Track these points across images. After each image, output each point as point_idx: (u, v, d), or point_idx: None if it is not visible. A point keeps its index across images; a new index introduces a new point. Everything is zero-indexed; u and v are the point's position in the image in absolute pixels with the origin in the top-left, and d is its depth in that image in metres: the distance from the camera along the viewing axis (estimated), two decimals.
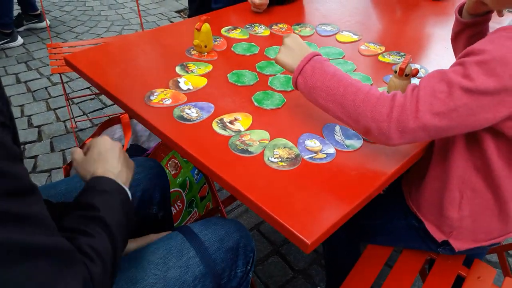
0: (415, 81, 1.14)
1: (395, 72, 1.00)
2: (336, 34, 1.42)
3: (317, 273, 1.60)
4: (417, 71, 1.02)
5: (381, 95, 0.79)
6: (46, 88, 2.68)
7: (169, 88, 1.07)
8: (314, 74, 0.85)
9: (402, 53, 1.30)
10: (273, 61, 1.22)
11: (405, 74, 0.99)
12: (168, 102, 1.02)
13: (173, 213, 1.45)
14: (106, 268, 0.62)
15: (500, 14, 0.96)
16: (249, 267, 0.98)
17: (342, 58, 1.26)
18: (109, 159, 0.82)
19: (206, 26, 1.20)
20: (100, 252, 0.62)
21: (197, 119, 0.96)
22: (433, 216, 0.99)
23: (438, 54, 1.32)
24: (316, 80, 0.85)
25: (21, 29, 3.30)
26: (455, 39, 1.07)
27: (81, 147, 1.36)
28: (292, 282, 1.57)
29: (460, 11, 1.02)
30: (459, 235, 0.97)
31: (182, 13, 3.88)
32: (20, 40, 3.17)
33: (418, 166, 0.98)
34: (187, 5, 3.98)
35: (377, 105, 0.77)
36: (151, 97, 1.03)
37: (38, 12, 3.32)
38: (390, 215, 1.08)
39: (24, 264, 0.49)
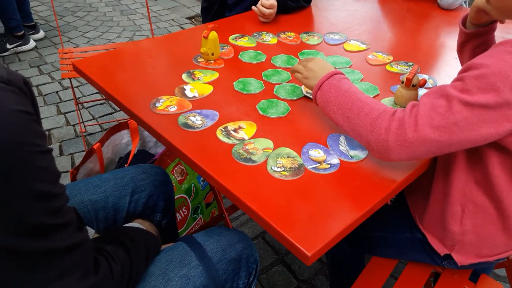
0: (422, 91, 1.13)
1: (402, 82, 1.00)
2: (343, 43, 1.42)
3: (322, 284, 1.59)
4: (425, 82, 1.01)
5: (384, 110, 0.80)
6: (57, 92, 2.71)
7: (175, 95, 1.08)
8: (330, 90, 0.88)
9: (410, 63, 1.29)
10: (280, 69, 1.22)
11: (412, 85, 0.98)
12: (173, 109, 1.02)
13: (178, 220, 1.45)
14: (124, 273, 0.74)
15: (502, 21, 0.96)
16: (251, 279, 0.97)
17: (349, 67, 1.26)
18: None
19: (213, 34, 1.21)
20: (121, 260, 0.75)
21: (201, 126, 0.96)
22: (436, 230, 0.98)
23: (448, 64, 1.30)
24: (330, 95, 0.88)
25: (6, 53, 3.07)
26: (460, 50, 1.06)
27: (88, 152, 1.38)
28: None
29: (464, 22, 1.01)
30: (461, 249, 0.95)
31: (193, 20, 3.91)
32: (32, 43, 3.20)
33: (423, 179, 0.96)
34: (198, 12, 4.02)
35: (378, 118, 0.78)
36: (157, 104, 1.03)
37: (21, 33, 3.10)
38: (395, 227, 1.07)
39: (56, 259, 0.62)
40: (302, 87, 1.13)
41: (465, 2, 1.82)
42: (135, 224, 0.99)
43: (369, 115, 0.80)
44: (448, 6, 1.72)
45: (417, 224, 1.02)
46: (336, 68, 0.95)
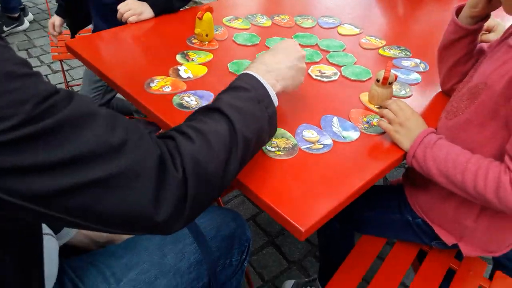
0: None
1: (377, 81, 0.99)
2: (337, 26, 1.43)
3: (312, 265, 1.62)
4: (397, 77, 1.01)
5: (499, 179, 0.75)
6: (46, 75, 2.68)
7: (169, 76, 1.08)
8: (427, 161, 0.84)
9: (403, 47, 1.31)
10: None
11: (389, 83, 0.98)
12: (168, 89, 1.02)
13: None
14: (208, 149, 0.60)
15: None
16: (244, 257, 0.99)
17: (342, 51, 1.27)
18: (271, 56, 0.83)
19: (207, 15, 1.20)
20: (203, 132, 0.61)
21: (196, 106, 0.97)
22: (444, 221, 0.98)
23: None
24: (430, 166, 0.83)
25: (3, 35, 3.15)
26: (448, 47, 0.99)
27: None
28: (286, 272, 1.59)
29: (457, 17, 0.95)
30: (469, 241, 0.96)
31: None
32: (26, 23, 3.18)
33: None
34: None
35: (499, 191, 0.75)
36: (151, 84, 1.03)
37: (17, 14, 3.11)
38: (385, 208, 1.09)
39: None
40: None
41: None
42: None
43: (489, 188, 0.76)
44: None
45: (409, 207, 1.04)
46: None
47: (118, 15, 1.39)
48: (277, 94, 0.77)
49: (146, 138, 0.55)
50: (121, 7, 1.39)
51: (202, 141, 0.60)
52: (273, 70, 0.79)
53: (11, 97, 0.43)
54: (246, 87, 0.72)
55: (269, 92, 0.74)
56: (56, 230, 0.86)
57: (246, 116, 0.67)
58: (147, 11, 1.41)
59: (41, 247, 0.67)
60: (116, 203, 0.50)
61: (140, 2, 1.41)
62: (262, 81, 0.74)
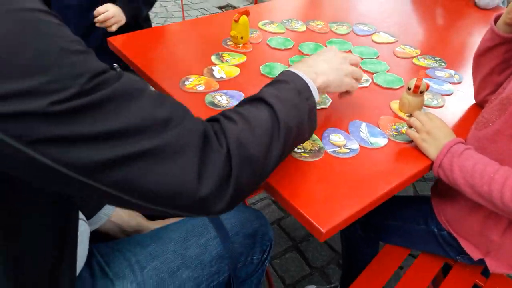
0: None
1: (409, 89, 0.98)
2: (372, 34, 1.42)
3: (334, 273, 1.61)
4: (429, 86, 1.00)
5: None
6: None
7: (203, 75, 1.11)
8: (453, 170, 0.82)
9: (438, 58, 1.29)
10: (306, 56, 1.24)
11: (420, 91, 0.97)
12: (201, 88, 1.05)
13: None
14: (251, 132, 0.62)
15: None
16: (265, 256, 1.01)
17: (376, 58, 1.27)
18: (312, 57, 0.86)
19: (244, 18, 1.23)
20: (246, 117, 0.63)
21: (226, 106, 0.99)
22: (470, 235, 0.96)
23: None
24: (456, 176, 0.82)
25: None
26: (483, 55, 0.99)
27: None
28: (308, 278, 1.59)
29: (496, 24, 0.95)
30: (496, 256, 0.94)
31: (223, 9, 3.95)
32: None
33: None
34: (229, 2, 4.05)
35: None
36: (186, 83, 1.07)
37: None
38: (410, 218, 1.07)
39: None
40: None
41: (502, 2, 1.78)
42: None
43: None
44: (485, 5, 1.69)
45: (435, 218, 1.02)
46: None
47: (101, 17, 1.35)
48: (319, 88, 0.78)
49: (191, 114, 0.58)
50: (102, 10, 1.34)
51: (245, 124, 0.62)
52: (314, 66, 0.81)
53: (67, 70, 0.45)
54: (287, 80, 0.74)
55: (309, 85, 0.76)
56: (88, 216, 0.91)
57: (288, 104, 0.69)
58: (124, 19, 1.39)
59: (77, 229, 0.71)
60: (160, 176, 0.51)
61: (118, 8, 1.38)
62: (301, 75, 0.76)
